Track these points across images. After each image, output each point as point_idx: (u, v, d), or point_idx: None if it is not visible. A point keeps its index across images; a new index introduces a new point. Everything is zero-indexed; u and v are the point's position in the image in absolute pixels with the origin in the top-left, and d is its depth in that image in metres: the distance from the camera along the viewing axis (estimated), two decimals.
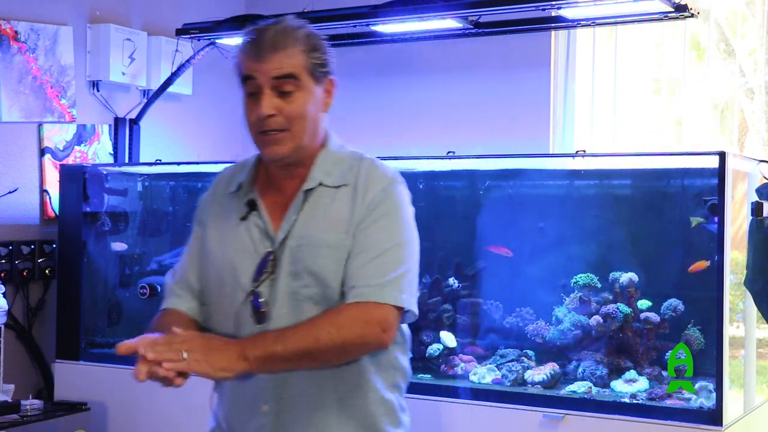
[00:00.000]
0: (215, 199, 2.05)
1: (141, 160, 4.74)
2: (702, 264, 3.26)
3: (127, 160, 4.70)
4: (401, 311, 1.87)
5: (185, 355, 1.73)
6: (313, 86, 1.92)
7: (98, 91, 4.64)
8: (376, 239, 1.87)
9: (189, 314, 2.01)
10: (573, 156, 3.39)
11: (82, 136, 4.59)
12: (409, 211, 1.97)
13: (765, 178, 3.29)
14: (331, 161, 1.97)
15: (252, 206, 1.96)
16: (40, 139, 4.40)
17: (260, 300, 1.89)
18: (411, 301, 1.88)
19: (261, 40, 1.89)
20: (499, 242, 3.75)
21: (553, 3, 3.72)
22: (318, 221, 1.91)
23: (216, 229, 2.00)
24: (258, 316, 1.89)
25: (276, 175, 1.98)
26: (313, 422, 1.90)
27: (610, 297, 3.44)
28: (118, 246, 4.38)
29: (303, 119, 1.90)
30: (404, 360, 2.00)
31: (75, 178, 4.28)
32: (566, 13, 3.89)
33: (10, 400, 3.79)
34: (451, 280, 3.70)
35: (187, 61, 4.63)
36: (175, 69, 4.65)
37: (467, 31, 4.20)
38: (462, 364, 3.53)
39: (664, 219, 3.55)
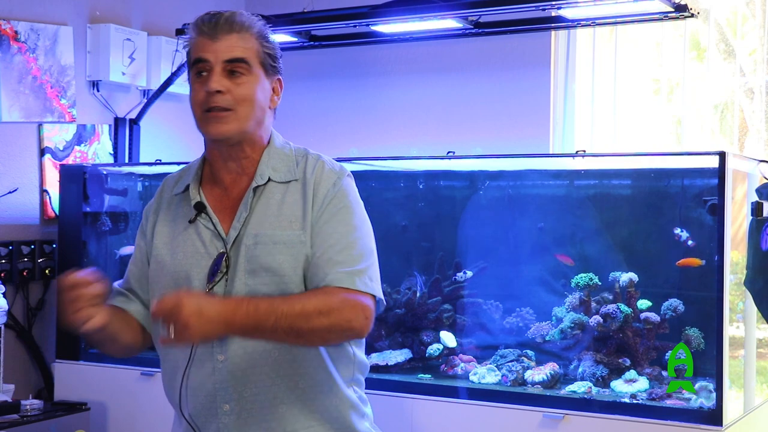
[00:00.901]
0: (161, 206, 2.03)
1: (141, 160, 4.74)
2: (694, 261, 3.27)
3: (127, 160, 4.70)
4: (375, 301, 1.87)
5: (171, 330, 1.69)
6: (262, 76, 1.93)
7: (98, 91, 4.64)
8: (338, 232, 1.88)
9: (135, 317, 2.01)
10: (573, 156, 3.39)
11: (82, 136, 4.59)
12: (361, 203, 1.97)
13: (765, 178, 3.29)
14: (278, 157, 1.96)
15: (199, 208, 1.94)
16: (40, 139, 4.40)
17: None
18: (380, 291, 1.90)
19: (216, 22, 1.89)
20: (499, 242, 3.75)
21: (553, 3, 3.72)
22: (271, 218, 1.90)
23: (164, 236, 1.98)
24: None
25: (221, 174, 1.96)
26: (276, 418, 1.89)
27: (610, 297, 3.45)
28: (127, 250, 4.37)
29: (250, 103, 1.90)
30: (360, 353, 2.00)
31: (75, 178, 4.29)
32: (566, 13, 3.89)
33: (10, 400, 3.79)
34: (460, 275, 3.69)
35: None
36: (175, 69, 4.65)
37: (467, 31, 4.20)
38: (462, 364, 3.53)
39: (664, 219, 3.55)
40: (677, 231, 3.36)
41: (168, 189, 2.05)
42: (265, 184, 1.93)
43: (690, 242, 3.32)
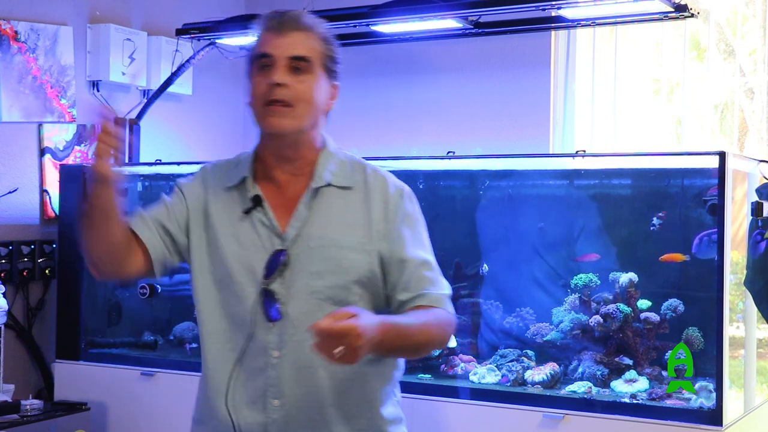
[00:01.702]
0: (208, 191, 2.00)
1: (141, 160, 4.74)
2: (677, 256, 3.28)
3: (127, 160, 4.69)
4: None
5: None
6: (322, 78, 1.94)
7: (98, 91, 4.64)
8: (420, 249, 1.96)
9: (146, 245, 1.95)
10: (573, 156, 3.39)
11: (82, 136, 4.59)
12: None
13: (765, 178, 3.29)
14: (334, 162, 1.98)
15: (257, 202, 1.94)
16: (40, 139, 4.40)
17: (275, 297, 1.88)
18: None
19: (284, 18, 1.92)
20: (499, 242, 3.75)
21: (553, 3, 3.72)
22: (333, 223, 1.91)
23: (223, 221, 1.96)
24: (269, 316, 1.88)
25: (275, 172, 1.97)
26: (323, 419, 1.90)
27: (610, 297, 3.44)
28: None
29: (309, 102, 1.91)
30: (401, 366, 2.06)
31: (75, 178, 4.28)
32: (566, 13, 3.89)
33: (10, 400, 3.79)
34: (484, 267, 3.69)
35: (187, 61, 4.63)
36: (175, 69, 4.65)
37: (467, 31, 4.19)
38: (462, 364, 3.53)
39: (664, 219, 3.55)
40: (654, 221, 3.38)
41: (212, 178, 2.02)
42: (325, 186, 1.94)
43: (656, 222, 3.35)
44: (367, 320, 1.69)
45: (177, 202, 2.01)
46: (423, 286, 1.92)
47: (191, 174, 2.07)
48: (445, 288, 1.96)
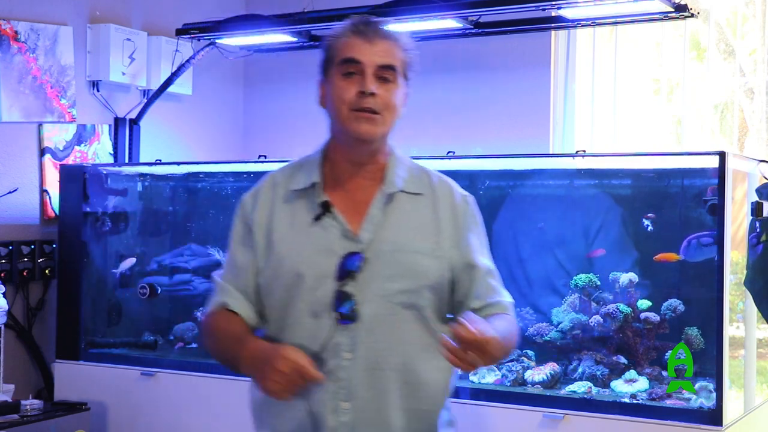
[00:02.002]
0: (276, 200, 2.00)
1: (141, 160, 4.74)
2: (671, 256, 3.29)
3: (127, 160, 4.70)
4: None
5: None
6: (402, 85, 1.96)
7: (98, 91, 4.64)
8: (485, 257, 2.01)
9: (245, 319, 1.98)
10: (573, 156, 3.39)
11: (82, 136, 4.59)
12: None
13: (765, 178, 3.29)
14: (402, 167, 2.01)
15: (326, 207, 1.94)
16: (40, 139, 4.40)
17: (351, 300, 1.89)
18: None
19: (372, 26, 1.93)
20: (500, 242, 3.75)
21: (553, 3, 3.72)
22: (405, 228, 1.94)
23: (284, 231, 1.96)
24: (345, 316, 1.89)
25: (345, 175, 1.98)
26: (389, 424, 1.92)
27: (610, 297, 3.44)
28: (127, 264, 4.36)
29: (393, 110, 1.95)
30: None
31: (75, 178, 4.29)
32: (566, 13, 3.89)
33: (10, 400, 3.79)
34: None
35: (187, 61, 4.63)
36: (175, 69, 4.65)
37: (467, 31, 4.20)
38: None
39: (664, 219, 3.55)
40: (644, 222, 3.39)
41: (281, 184, 2.01)
42: (395, 192, 1.96)
43: (647, 223, 3.36)
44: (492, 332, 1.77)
45: (244, 243, 2.00)
46: (492, 295, 1.99)
47: (256, 186, 2.05)
48: (509, 296, 2.03)
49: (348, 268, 1.89)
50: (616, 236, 3.60)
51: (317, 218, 1.94)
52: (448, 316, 2.00)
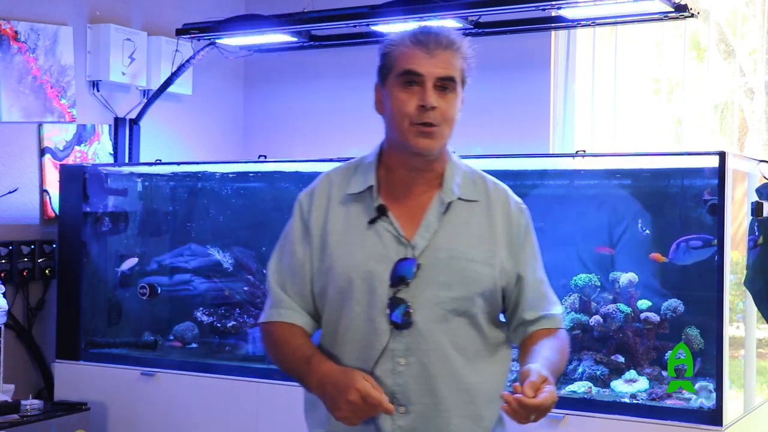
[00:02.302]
0: (330, 203, 1.99)
1: (141, 160, 4.74)
2: (658, 257, 3.30)
3: (127, 160, 4.70)
4: None
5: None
6: (460, 93, 1.95)
7: (98, 91, 4.64)
8: (539, 266, 2.02)
9: (305, 329, 1.98)
10: (573, 156, 3.39)
11: (82, 136, 4.59)
12: None
13: (765, 178, 3.29)
14: (459, 174, 1.99)
15: (382, 211, 1.93)
16: (40, 139, 4.40)
17: (405, 306, 1.88)
18: None
19: (434, 37, 1.91)
20: None
21: (553, 3, 3.72)
22: (460, 235, 1.93)
23: (338, 234, 1.96)
24: (398, 324, 1.88)
25: (403, 180, 1.97)
26: (447, 430, 1.92)
27: (610, 297, 3.44)
28: (128, 264, 4.36)
29: (452, 121, 1.93)
30: None
31: (75, 178, 4.29)
32: (566, 13, 3.89)
33: (10, 400, 3.79)
34: None
35: (187, 61, 4.63)
36: (175, 69, 4.65)
37: (467, 31, 4.19)
38: None
39: (664, 219, 3.55)
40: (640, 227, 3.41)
41: (336, 187, 2.01)
42: (452, 200, 1.95)
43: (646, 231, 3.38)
44: (542, 369, 1.79)
45: (301, 244, 1.99)
46: (545, 306, 2.00)
47: (312, 185, 2.04)
48: (560, 306, 2.05)
49: (401, 274, 1.89)
50: (617, 236, 3.60)
51: (372, 222, 1.93)
52: (501, 319, 2.01)
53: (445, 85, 1.90)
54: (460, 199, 1.95)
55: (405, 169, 1.96)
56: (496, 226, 1.96)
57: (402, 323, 1.88)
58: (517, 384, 1.74)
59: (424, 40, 1.91)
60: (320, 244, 1.96)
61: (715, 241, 3.03)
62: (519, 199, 2.03)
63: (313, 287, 1.97)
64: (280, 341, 1.97)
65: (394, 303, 1.88)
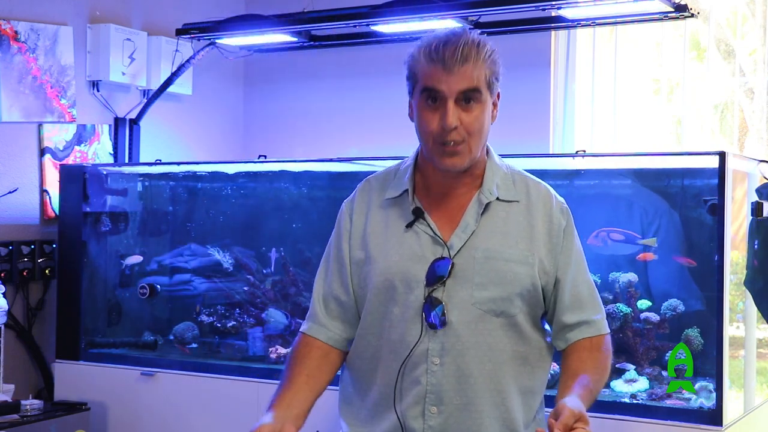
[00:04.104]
0: (371, 207, 2.02)
1: (141, 160, 4.74)
2: (648, 256, 3.31)
3: (127, 160, 4.70)
4: None
5: None
6: (489, 98, 1.91)
7: (98, 91, 4.64)
8: (578, 267, 1.98)
9: (328, 344, 2.00)
10: (573, 156, 3.39)
11: (82, 136, 4.59)
12: None
13: (765, 178, 3.29)
14: (499, 174, 1.99)
15: (418, 214, 1.94)
16: (40, 139, 4.40)
17: (441, 306, 1.89)
18: None
19: (450, 51, 1.87)
20: None
21: (553, 3, 3.72)
22: (497, 236, 1.92)
23: (378, 237, 1.97)
24: (433, 324, 1.89)
25: (439, 183, 1.97)
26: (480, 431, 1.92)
27: (610, 297, 3.44)
28: (133, 259, 4.37)
29: (480, 133, 1.90)
30: None
31: (75, 178, 4.29)
32: (566, 13, 3.89)
33: (10, 400, 3.79)
34: None
35: (187, 61, 4.63)
36: (175, 69, 4.65)
37: None
38: None
39: (663, 219, 3.55)
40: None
41: (376, 192, 2.03)
42: (491, 201, 1.95)
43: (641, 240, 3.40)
44: (576, 405, 1.75)
45: (342, 250, 2.02)
46: (586, 310, 1.97)
47: (353, 193, 2.07)
48: (602, 309, 2.01)
49: (438, 274, 1.89)
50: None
51: (409, 225, 1.94)
52: (542, 322, 2.01)
53: (470, 96, 1.87)
54: (498, 199, 1.95)
55: (440, 176, 1.96)
56: (536, 225, 1.94)
57: (438, 323, 1.88)
58: (551, 419, 1.71)
59: (440, 57, 1.87)
60: (362, 249, 1.98)
61: (643, 240, 3.04)
62: (562, 200, 2.01)
63: (355, 292, 1.99)
64: (293, 355, 2.01)
65: (431, 303, 1.89)
